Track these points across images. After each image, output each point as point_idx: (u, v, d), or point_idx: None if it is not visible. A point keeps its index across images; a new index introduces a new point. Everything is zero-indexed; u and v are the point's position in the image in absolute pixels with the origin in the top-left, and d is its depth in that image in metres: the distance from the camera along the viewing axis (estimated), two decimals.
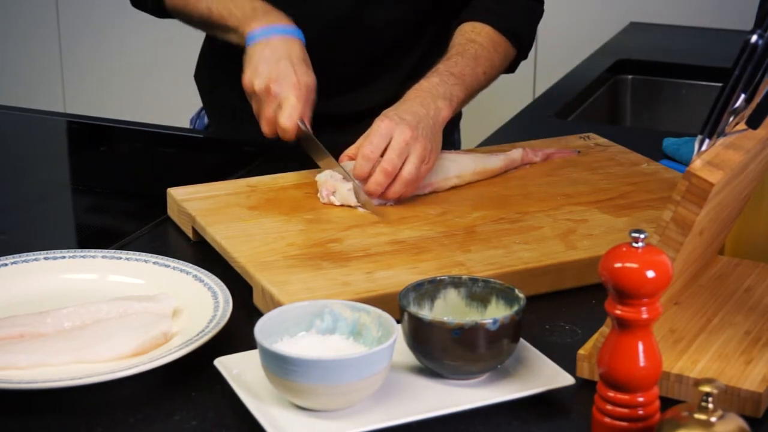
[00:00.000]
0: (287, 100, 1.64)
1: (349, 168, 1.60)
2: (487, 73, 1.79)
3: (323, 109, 1.92)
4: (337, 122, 1.88)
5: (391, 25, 1.93)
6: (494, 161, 1.70)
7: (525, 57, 1.92)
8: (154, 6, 1.92)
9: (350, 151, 1.62)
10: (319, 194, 1.59)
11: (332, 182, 1.58)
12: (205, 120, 2.15)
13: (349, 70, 1.95)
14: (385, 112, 1.61)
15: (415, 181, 1.58)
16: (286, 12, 1.81)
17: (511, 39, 1.84)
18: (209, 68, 2.10)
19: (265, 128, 1.68)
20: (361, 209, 1.56)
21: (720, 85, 1.12)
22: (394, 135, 1.56)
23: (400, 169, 1.56)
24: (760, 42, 1.09)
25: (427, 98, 1.65)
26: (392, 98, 1.91)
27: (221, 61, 1.97)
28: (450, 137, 2.09)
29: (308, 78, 1.68)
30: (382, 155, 1.57)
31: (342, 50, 1.92)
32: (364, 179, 1.57)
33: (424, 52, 1.98)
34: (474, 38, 1.80)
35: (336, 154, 1.65)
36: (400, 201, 1.59)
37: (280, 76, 1.66)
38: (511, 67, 1.91)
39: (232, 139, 2.02)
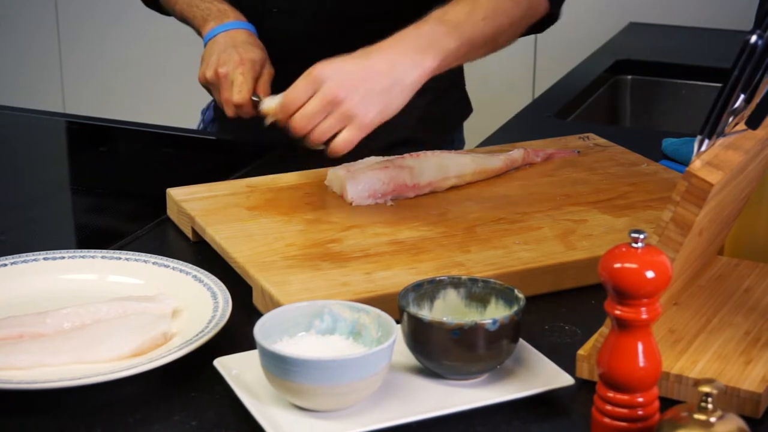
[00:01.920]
0: (235, 79, 1.72)
1: None
2: (489, 18, 1.59)
3: None
4: None
5: (376, 15, 1.92)
6: (495, 161, 1.69)
7: (556, 15, 1.75)
8: (155, 5, 2.04)
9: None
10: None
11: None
12: (212, 113, 2.16)
13: None
14: (332, 59, 1.51)
15: (327, 133, 1.48)
16: (272, 7, 1.83)
17: None
18: None
19: (228, 111, 1.75)
20: (388, 202, 1.58)
21: (719, 85, 1.12)
22: (320, 89, 1.48)
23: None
24: (760, 42, 1.09)
25: (402, 51, 1.51)
26: None
27: None
28: (448, 136, 2.08)
29: (252, 54, 1.75)
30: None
31: (329, 44, 1.92)
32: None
33: None
34: None
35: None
36: (396, 198, 1.59)
37: (224, 61, 1.74)
38: (539, 26, 1.74)
39: (231, 140, 2.02)
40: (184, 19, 1.93)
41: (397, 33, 1.55)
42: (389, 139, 1.85)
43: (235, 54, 1.74)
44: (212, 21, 1.83)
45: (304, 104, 1.49)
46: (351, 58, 1.52)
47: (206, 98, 2.16)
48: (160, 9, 2.03)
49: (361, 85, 1.48)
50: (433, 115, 2.02)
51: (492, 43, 1.63)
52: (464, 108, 2.12)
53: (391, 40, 1.54)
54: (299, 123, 1.49)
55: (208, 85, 1.78)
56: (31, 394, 1.17)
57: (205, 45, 1.81)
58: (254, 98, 1.71)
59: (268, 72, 1.76)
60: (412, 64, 1.51)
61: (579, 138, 1.87)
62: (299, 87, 1.49)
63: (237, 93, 1.71)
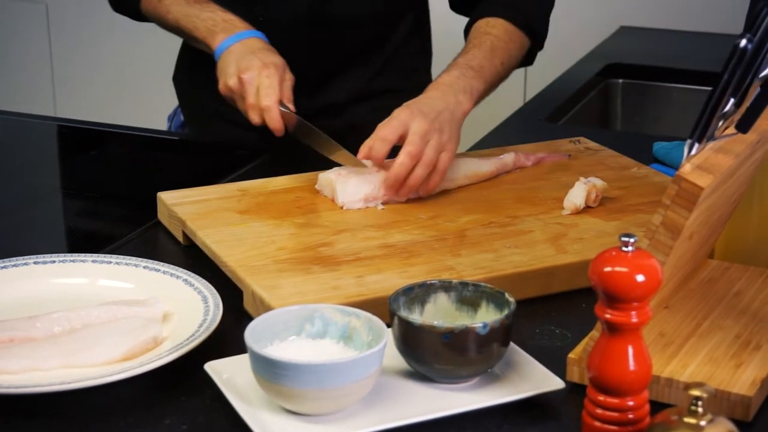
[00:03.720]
0: (261, 84, 1.68)
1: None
2: (505, 63, 1.79)
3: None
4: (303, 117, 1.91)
5: (357, 22, 1.94)
6: (486, 165, 1.70)
7: (541, 47, 1.92)
8: (132, 11, 2.00)
9: (366, 145, 1.61)
10: (335, 197, 1.59)
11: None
12: (181, 118, 2.16)
13: (314, 67, 1.95)
14: (405, 103, 1.62)
15: (433, 165, 1.59)
16: (246, 11, 1.83)
17: (525, 30, 1.85)
18: (187, 71, 2.11)
19: (253, 117, 1.69)
20: (379, 206, 1.58)
21: (710, 89, 1.12)
22: (411, 125, 1.58)
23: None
24: (750, 46, 1.09)
25: (447, 92, 1.66)
26: (357, 95, 1.94)
27: (199, 64, 1.98)
28: None
29: (274, 58, 1.72)
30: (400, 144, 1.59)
31: (306, 46, 1.93)
32: (380, 161, 1.59)
33: (393, 51, 2.00)
34: (489, 31, 1.81)
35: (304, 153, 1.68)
36: (387, 202, 1.60)
37: (247, 66, 1.70)
38: (528, 59, 1.91)
39: (222, 143, 2.02)
40: (178, 29, 1.89)
41: (435, 81, 1.70)
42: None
43: (256, 59, 1.70)
44: (221, 32, 1.79)
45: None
46: (418, 102, 1.63)
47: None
48: (134, 14, 2.00)
49: (437, 120, 1.61)
50: None
51: (502, 81, 1.83)
52: None
53: (432, 87, 1.68)
54: (412, 147, 1.57)
55: (232, 95, 1.72)
56: (22, 399, 1.17)
57: (218, 57, 1.77)
58: (283, 108, 1.67)
59: (289, 77, 1.72)
60: (456, 102, 1.66)
61: (570, 141, 1.87)
62: (393, 124, 1.59)
63: (265, 96, 1.66)
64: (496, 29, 1.81)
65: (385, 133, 1.58)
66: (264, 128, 1.69)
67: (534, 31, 1.87)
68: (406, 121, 1.59)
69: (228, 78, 1.71)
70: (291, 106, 1.68)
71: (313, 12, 1.90)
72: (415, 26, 2.02)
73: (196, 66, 2.02)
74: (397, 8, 1.98)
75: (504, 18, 1.83)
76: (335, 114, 1.95)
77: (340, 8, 1.91)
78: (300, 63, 1.77)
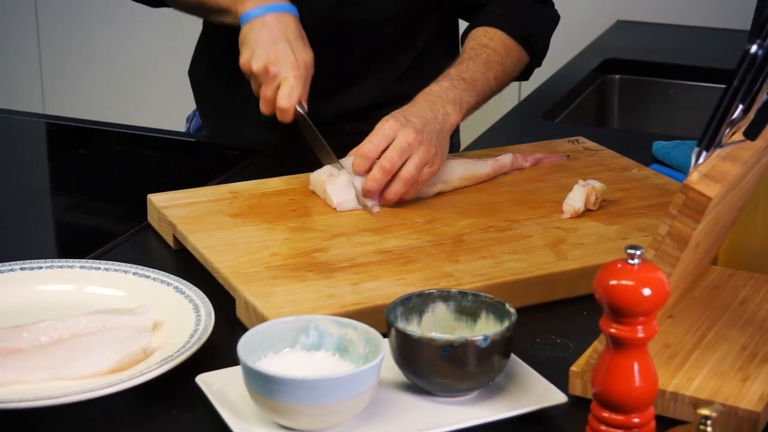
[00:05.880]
0: (286, 80, 1.62)
1: (348, 162, 1.58)
2: (499, 78, 1.76)
3: (310, 109, 1.89)
4: (325, 122, 1.85)
5: (379, 24, 1.90)
6: (482, 167, 1.66)
7: (539, 64, 1.90)
8: None
9: (354, 151, 1.59)
10: (328, 198, 1.56)
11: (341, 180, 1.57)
12: (200, 120, 2.13)
13: (336, 70, 1.91)
14: (392, 113, 1.59)
15: (413, 181, 1.55)
16: None
17: (524, 44, 1.82)
18: (204, 66, 2.07)
19: (264, 107, 1.65)
20: (375, 208, 1.55)
21: (709, 85, 1.09)
22: (397, 135, 1.54)
23: (400, 168, 1.54)
24: (760, 52, 1.06)
25: (436, 103, 1.62)
26: (381, 99, 1.89)
27: (216, 59, 1.94)
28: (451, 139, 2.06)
29: (306, 56, 1.66)
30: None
31: (326, 49, 1.88)
32: (362, 175, 1.56)
33: (420, 53, 1.95)
34: (486, 43, 1.78)
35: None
36: (399, 204, 1.56)
37: (279, 58, 1.63)
38: (524, 74, 1.89)
39: (214, 143, 1.98)
40: (200, 3, 1.78)
41: (424, 91, 1.65)
42: None
43: (290, 53, 1.63)
44: None
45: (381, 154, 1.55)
46: (405, 112, 1.59)
47: (190, 102, 2.12)
48: (151, 1, 1.92)
49: (425, 130, 1.57)
50: None
51: (495, 95, 1.79)
52: None
53: (421, 97, 1.64)
54: (386, 163, 1.54)
55: (251, 75, 1.65)
56: (7, 413, 1.13)
57: (245, 23, 1.67)
58: (298, 107, 1.62)
59: (311, 75, 1.67)
60: (444, 113, 1.62)
61: (569, 141, 1.84)
62: (376, 140, 1.55)
63: (286, 97, 1.61)
64: (494, 42, 1.78)
65: (366, 150, 1.55)
66: (277, 125, 1.67)
67: (533, 47, 1.84)
68: (392, 133, 1.55)
69: (254, 59, 1.64)
70: (305, 106, 1.64)
71: (332, 14, 1.86)
72: (441, 27, 1.98)
73: (214, 62, 1.98)
74: (419, 9, 1.93)
75: (504, 30, 1.80)
76: (358, 119, 1.90)
77: (359, 11, 1.87)
78: (319, 66, 1.72)
